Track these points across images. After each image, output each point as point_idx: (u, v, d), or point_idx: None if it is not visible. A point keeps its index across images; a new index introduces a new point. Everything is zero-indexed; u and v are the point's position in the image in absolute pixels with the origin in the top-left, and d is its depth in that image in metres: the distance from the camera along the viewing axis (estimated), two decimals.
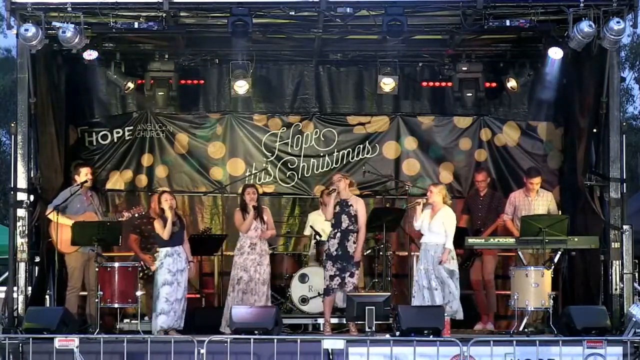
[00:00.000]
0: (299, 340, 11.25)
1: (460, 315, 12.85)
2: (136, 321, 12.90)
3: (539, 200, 13.69)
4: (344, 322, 13.24)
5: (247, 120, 15.71)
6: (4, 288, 13.10)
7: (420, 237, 13.05)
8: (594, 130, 13.53)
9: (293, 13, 12.92)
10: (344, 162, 15.70)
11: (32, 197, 13.15)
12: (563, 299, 13.69)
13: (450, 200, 13.10)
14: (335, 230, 12.96)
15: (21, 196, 13.05)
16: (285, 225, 15.69)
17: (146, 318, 13.18)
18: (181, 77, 14.98)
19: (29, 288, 12.96)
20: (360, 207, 12.99)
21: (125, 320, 13.51)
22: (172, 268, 12.70)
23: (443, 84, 15.43)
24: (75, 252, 12.99)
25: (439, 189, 13.01)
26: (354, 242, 12.89)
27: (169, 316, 12.60)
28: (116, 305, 12.72)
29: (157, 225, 12.80)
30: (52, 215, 12.86)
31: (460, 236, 13.27)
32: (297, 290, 14.01)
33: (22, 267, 12.89)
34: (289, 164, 15.72)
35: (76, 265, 13.05)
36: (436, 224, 12.78)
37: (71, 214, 13.03)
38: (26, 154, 13.14)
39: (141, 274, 13.06)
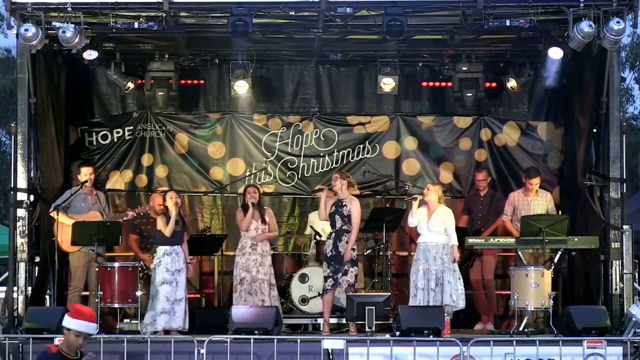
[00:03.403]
0: (299, 340, 11.25)
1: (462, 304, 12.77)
2: (136, 321, 12.89)
3: (538, 201, 13.69)
4: (344, 322, 13.24)
5: (247, 120, 15.69)
6: (4, 288, 13.10)
7: (417, 234, 13.02)
8: (594, 130, 13.54)
9: (293, 13, 12.91)
10: (344, 162, 15.68)
11: (32, 197, 13.16)
12: (563, 299, 13.69)
13: (444, 202, 13.06)
14: (331, 231, 12.94)
15: (21, 196, 13.05)
16: (285, 225, 15.68)
17: None
18: (181, 77, 14.99)
19: (29, 288, 12.96)
20: (354, 207, 12.85)
21: (125, 320, 13.49)
22: (170, 267, 12.65)
23: (443, 84, 15.41)
24: (78, 252, 13.00)
25: (435, 188, 12.98)
26: (347, 242, 12.79)
27: (170, 316, 12.55)
28: (116, 305, 12.74)
29: (160, 222, 12.74)
30: (54, 214, 12.87)
31: (460, 236, 13.27)
32: (297, 290, 14.01)
33: (22, 267, 12.90)
34: (289, 164, 15.70)
35: (79, 265, 13.05)
36: (436, 223, 12.72)
37: (75, 213, 13.05)
38: (26, 154, 13.14)
39: (141, 274, 13.05)
